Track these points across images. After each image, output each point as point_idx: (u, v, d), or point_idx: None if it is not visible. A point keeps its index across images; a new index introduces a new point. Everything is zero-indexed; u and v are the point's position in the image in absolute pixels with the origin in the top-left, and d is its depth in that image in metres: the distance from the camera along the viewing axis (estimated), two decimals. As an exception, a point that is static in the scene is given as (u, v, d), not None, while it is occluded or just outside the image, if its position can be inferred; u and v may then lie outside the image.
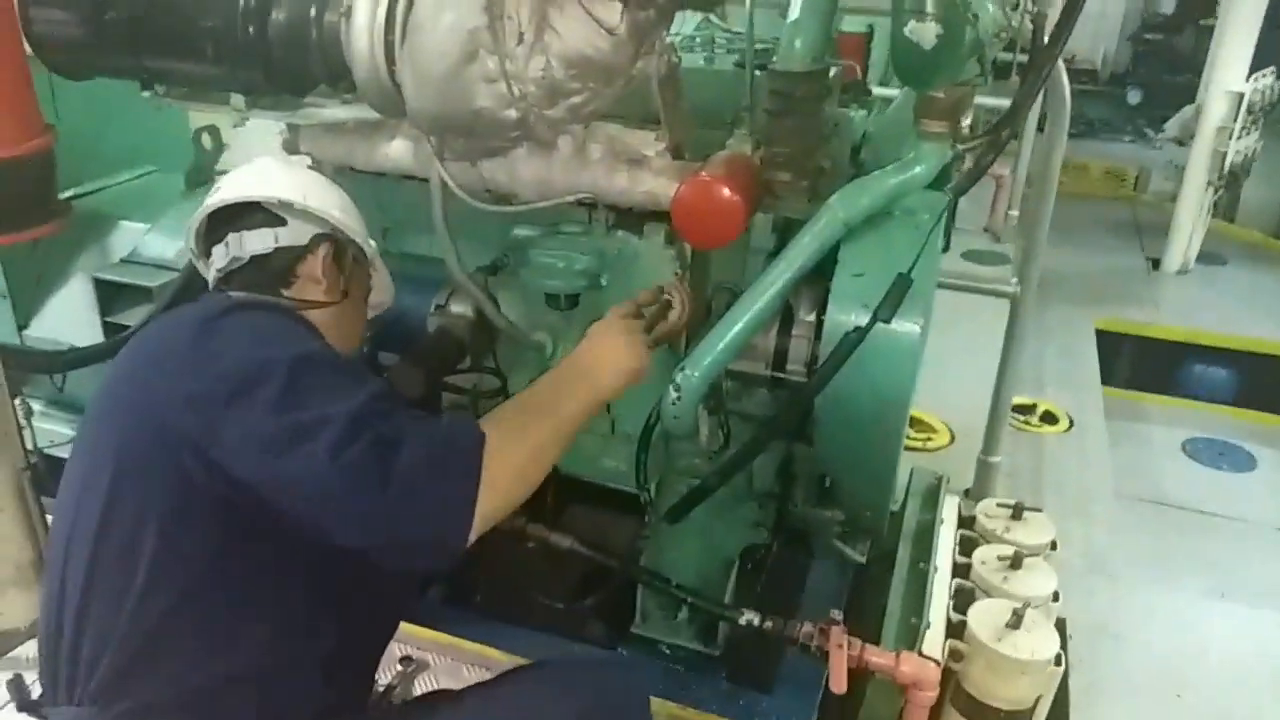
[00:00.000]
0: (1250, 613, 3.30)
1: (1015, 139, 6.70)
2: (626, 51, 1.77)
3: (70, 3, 2.04)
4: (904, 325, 1.77)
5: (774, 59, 1.94)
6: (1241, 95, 5.82)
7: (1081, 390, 4.76)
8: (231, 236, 1.67)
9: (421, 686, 2.31)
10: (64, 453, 2.58)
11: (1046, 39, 1.71)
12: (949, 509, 2.64)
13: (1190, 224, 6.33)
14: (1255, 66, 5.97)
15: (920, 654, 2.07)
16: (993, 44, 1.76)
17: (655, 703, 2.29)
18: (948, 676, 2.10)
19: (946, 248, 2.53)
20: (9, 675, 1.76)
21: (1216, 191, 6.31)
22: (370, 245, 1.83)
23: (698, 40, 2.55)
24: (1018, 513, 2.46)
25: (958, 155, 1.89)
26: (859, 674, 2.03)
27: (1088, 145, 9.21)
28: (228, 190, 1.71)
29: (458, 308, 2.26)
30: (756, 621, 2.09)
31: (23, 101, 2.47)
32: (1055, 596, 2.24)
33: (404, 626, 2.35)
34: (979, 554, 2.34)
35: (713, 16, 2.58)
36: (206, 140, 2.89)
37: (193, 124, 2.92)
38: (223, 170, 3.05)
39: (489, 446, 1.35)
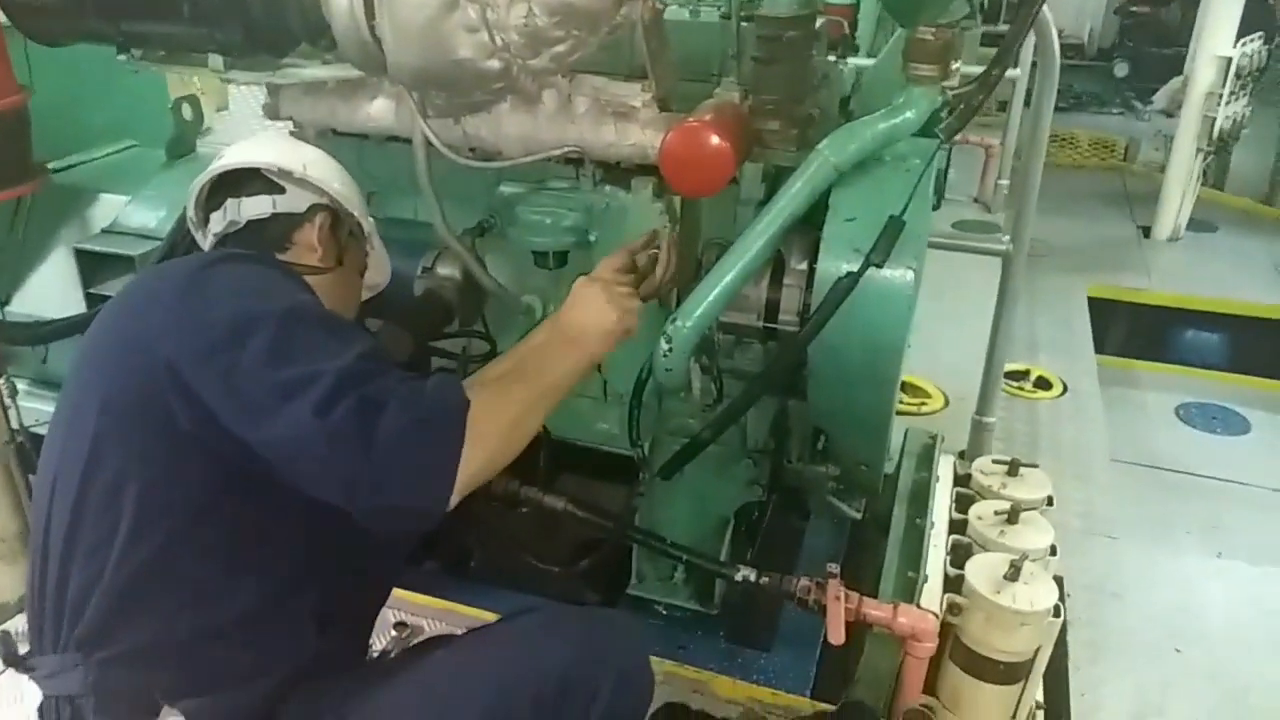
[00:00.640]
0: (1247, 570, 3.30)
1: (1004, 109, 6.72)
2: (610, -3, 1.74)
3: (42, -35, 2.00)
4: (897, 270, 1.75)
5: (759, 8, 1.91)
6: (1229, 60, 5.81)
7: (1075, 357, 4.75)
8: (230, 202, 1.69)
9: (417, 652, 2.30)
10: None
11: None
12: (944, 467, 2.62)
13: (1180, 191, 6.32)
14: (1241, 33, 5.96)
15: (919, 606, 2.06)
16: (981, -18, 1.74)
17: (653, 662, 2.29)
18: (946, 631, 2.09)
19: (937, 206, 2.51)
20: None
21: (1206, 158, 6.30)
22: (369, 221, 1.83)
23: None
24: (1014, 469, 2.44)
25: (948, 100, 1.87)
26: (857, 627, 2.02)
27: (1076, 118, 9.20)
28: (230, 156, 1.72)
29: (445, 270, 2.24)
30: (753, 578, 2.08)
31: (-7, 60, 2.44)
32: (1053, 550, 2.23)
33: (398, 592, 2.34)
34: (975, 509, 2.32)
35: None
36: (186, 110, 2.85)
37: (171, 96, 2.89)
38: (206, 146, 3.03)
39: (474, 410, 1.34)
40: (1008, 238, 2.99)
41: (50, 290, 2.77)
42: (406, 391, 1.31)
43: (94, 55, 2.13)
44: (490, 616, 2.35)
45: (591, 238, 2.14)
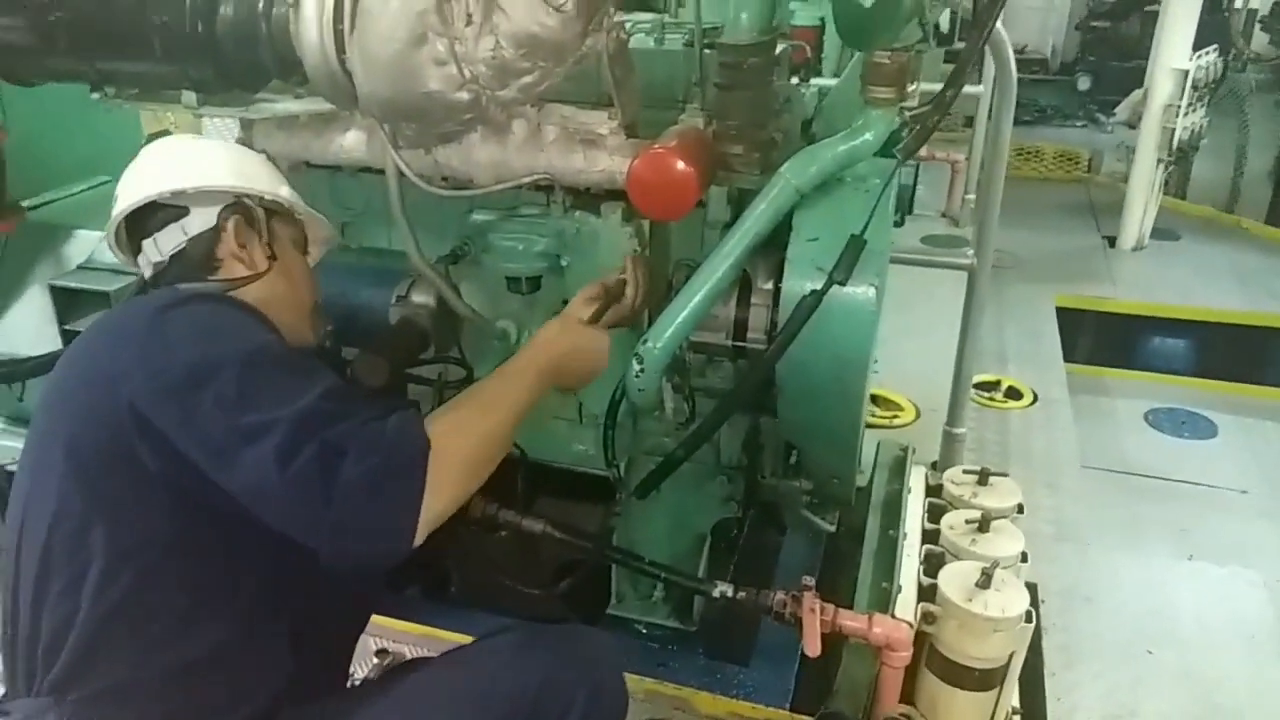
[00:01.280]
0: (1217, 572, 3.36)
1: (970, 125, 6.83)
2: (575, 29, 1.79)
3: (12, 6, 2.03)
4: (860, 286, 1.80)
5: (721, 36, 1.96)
6: (1186, 73, 5.94)
7: (1044, 366, 4.83)
8: (146, 244, 1.66)
9: (399, 678, 2.31)
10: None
11: None
12: (916, 478, 2.67)
13: (1143, 201, 6.44)
14: (1197, 46, 6.10)
15: (893, 616, 2.10)
16: (934, 7, 1.80)
17: (633, 680, 2.31)
18: (921, 640, 2.13)
19: (901, 222, 2.56)
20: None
21: (1167, 168, 6.43)
22: (285, 191, 1.78)
23: (648, 25, 2.58)
24: (984, 478, 2.49)
25: (905, 121, 1.92)
26: (833, 639, 2.05)
27: (1041, 131, 9.36)
28: (124, 198, 1.69)
29: (420, 298, 2.27)
30: (730, 593, 2.11)
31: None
32: (1024, 557, 2.27)
33: (379, 619, 2.35)
34: (947, 519, 2.37)
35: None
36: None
37: (145, 131, 2.91)
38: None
39: (435, 450, 1.34)
40: (972, 252, 3.05)
41: (26, 327, 2.77)
42: (368, 436, 1.31)
43: (67, 93, 2.15)
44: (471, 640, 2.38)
45: (563, 262, 2.17)
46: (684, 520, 2.43)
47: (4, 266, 2.78)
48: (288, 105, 2.16)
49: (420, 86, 1.80)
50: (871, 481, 2.77)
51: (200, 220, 1.65)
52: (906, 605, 2.18)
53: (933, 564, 2.27)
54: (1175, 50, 6.03)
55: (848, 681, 2.19)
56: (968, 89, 5.73)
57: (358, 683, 2.25)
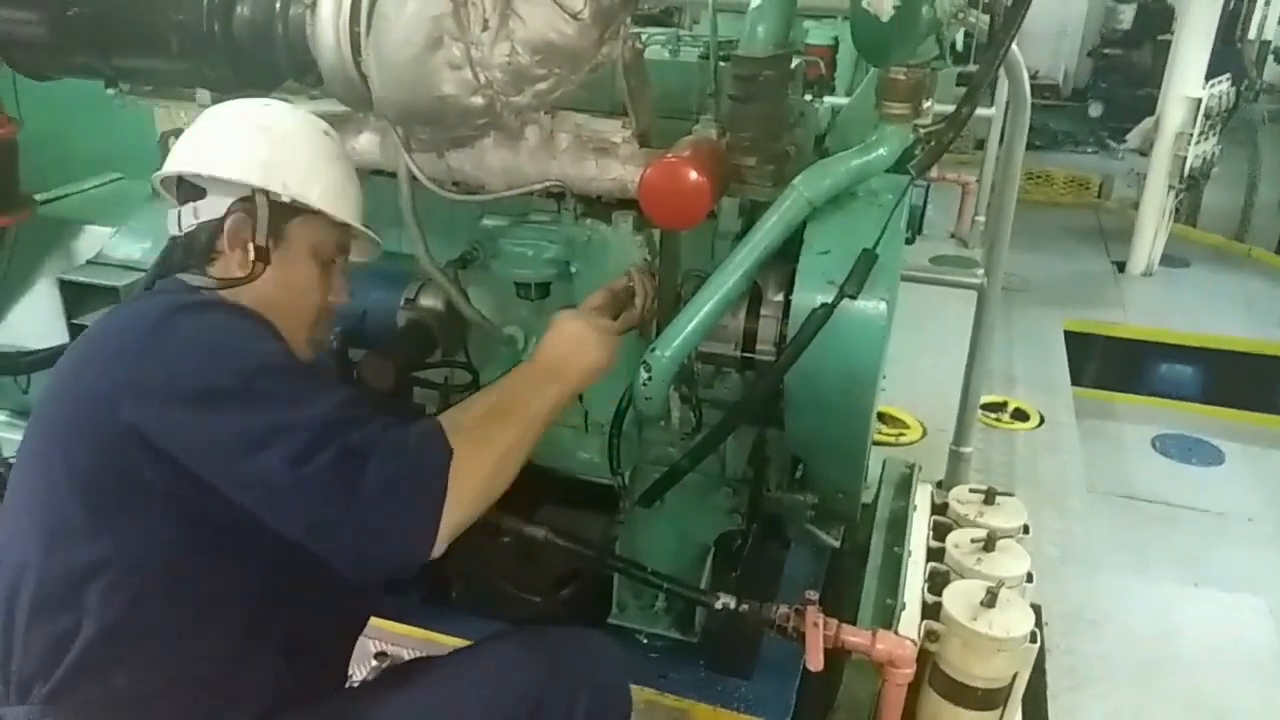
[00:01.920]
0: (1223, 598, 3.34)
1: (981, 148, 6.83)
2: (591, 36, 1.79)
3: (31, 1, 2.04)
4: (870, 301, 1.79)
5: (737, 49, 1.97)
6: (1199, 101, 5.95)
7: (1052, 389, 4.82)
8: (170, 213, 1.61)
9: (398, 683, 2.29)
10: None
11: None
12: (922, 496, 2.66)
13: (1153, 227, 6.44)
14: (1210, 75, 6.11)
15: (896, 633, 2.08)
16: (950, 25, 1.80)
17: (633, 690, 2.29)
18: (925, 658, 2.11)
19: (912, 240, 2.57)
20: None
21: (1178, 195, 6.43)
22: (313, 195, 1.59)
23: (664, 38, 2.59)
24: (990, 498, 2.48)
25: (920, 138, 1.92)
26: (836, 655, 2.04)
27: (1052, 157, 9.38)
28: (168, 161, 1.63)
29: (428, 301, 2.27)
30: (732, 605, 2.10)
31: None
32: (1029, 577, 2.26)
33: (378, 622, 2.34)
34: (952, 537, 2.36)
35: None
36: (173, 144, 2.88)
37: (159, 129, 2.92)
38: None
39: (456, 460, 1.34)
40: (982, 271, 3.05)
41: (35, 320, 2.78)
42: (390, 443, 1.31)
43: (82, 89, 2.16)
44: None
45: (573, 270, 2.17)
46: (688, 531, 2.41)
47: (14, 260, 2.79)
48: (301, 106, 2.17)
49: (435, 90, 1.80)
50: (877, 498, 2.75)
51: (212, 207, 1.56)
52: (910, 622, 2.17)
53: (937, 582, 2.25)
54: (1188, 79, 6.05)
55: (849, 698, 2.17)
56: (981, 111, 5.74)
57: (356, 685, 2.25)
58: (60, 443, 1.40)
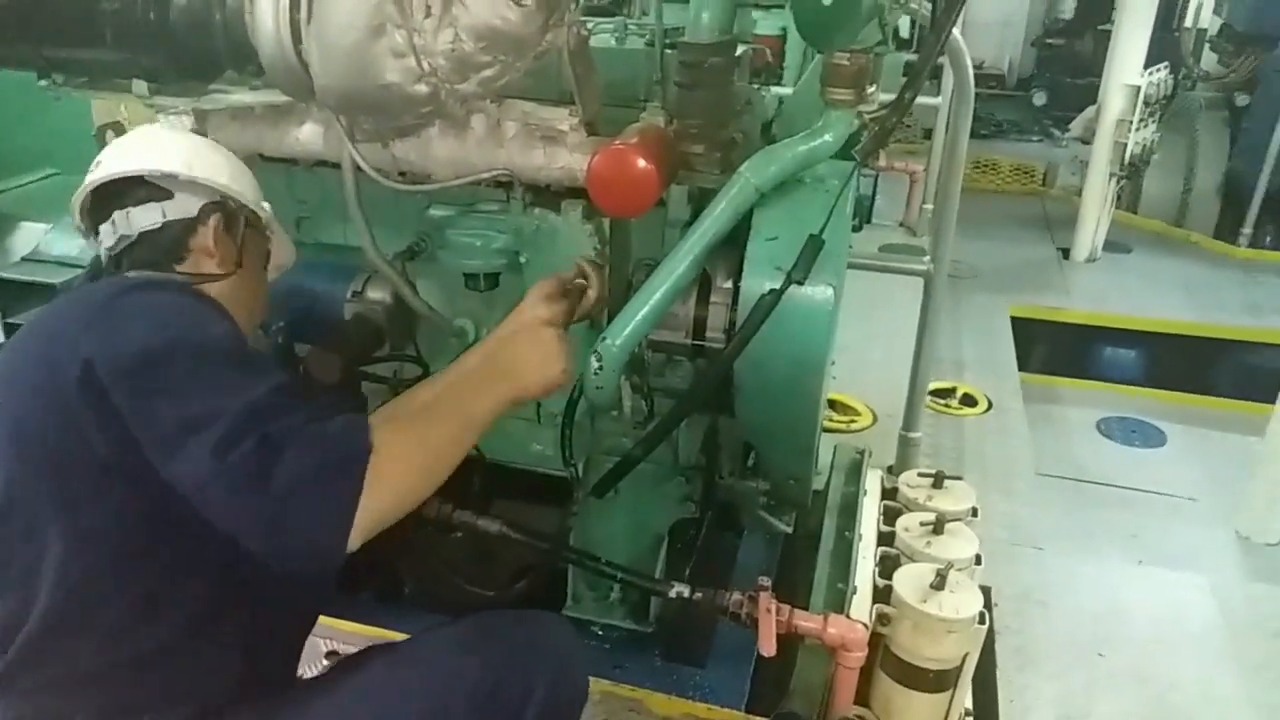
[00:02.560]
0: (1167, 576, 3.41)
1: (928, 137, 6.91)
2: (535, 22, 1.78)
3: (-44, -10, 1.98)
4: (817, 286, 1.80)
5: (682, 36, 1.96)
6: (1138, 89, 6.07)
7: (999, 374, 4.89)
8: (118, 214, 1.61)
9: (350, 680, 2.27)
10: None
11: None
12: (872, 481, 2.68)
13: (1096, 214, 6.56)
14: (1149, 63, 6.23)
15: (848, 617, 2.10)
16: (893, 10, 1.81)
17: (591, 681, 2.29)
18: (876, 641, 2.13)
19: (859, 228, 2.59)
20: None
21: (1119, 182, 6.56)
22: (265, 209, 1.79)
23: (610, 26, 2.58)
24: (939, 481, 2.51)
25: (865, 124, 1.94)
26: (789, 640, 2.05)
27: (998, 145, 9.50)
28: (110, 164, 1.65)
29: (375, 294, 2.24)
30: (686, 594, 2.10)
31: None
32: (978, 560, 2.29)
33: (329, 621, 2.31)
34: (902, 521, 2.38)
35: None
36: (110, 138, 2.80)
37: (96, 122, 2.85)
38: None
39: (380, 453, 1.31)
40: (929, 259, 3.08)
41: (-32, 320, 2.71)
42: (309, 434, 1.29)
43: (14, 81, 2.10)
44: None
45: (522, 259, 2.16)
46: (642, 521, 2.42)
47: (-55, 259, 2.71)
48: (242, 96, 2.13)
49: (378, 78, 1.78)
50: (828, 484, 2.78)
51: (181, 207, 1.62)
52: (862, 606, 2.19)
53: (888, 566, 2.28)
54: (1127, 67, 6.16)
55: (803, 682, 2.18)
56: (927, 100, 5.82)
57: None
58: (8, 412, 1.38)
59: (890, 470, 3.12)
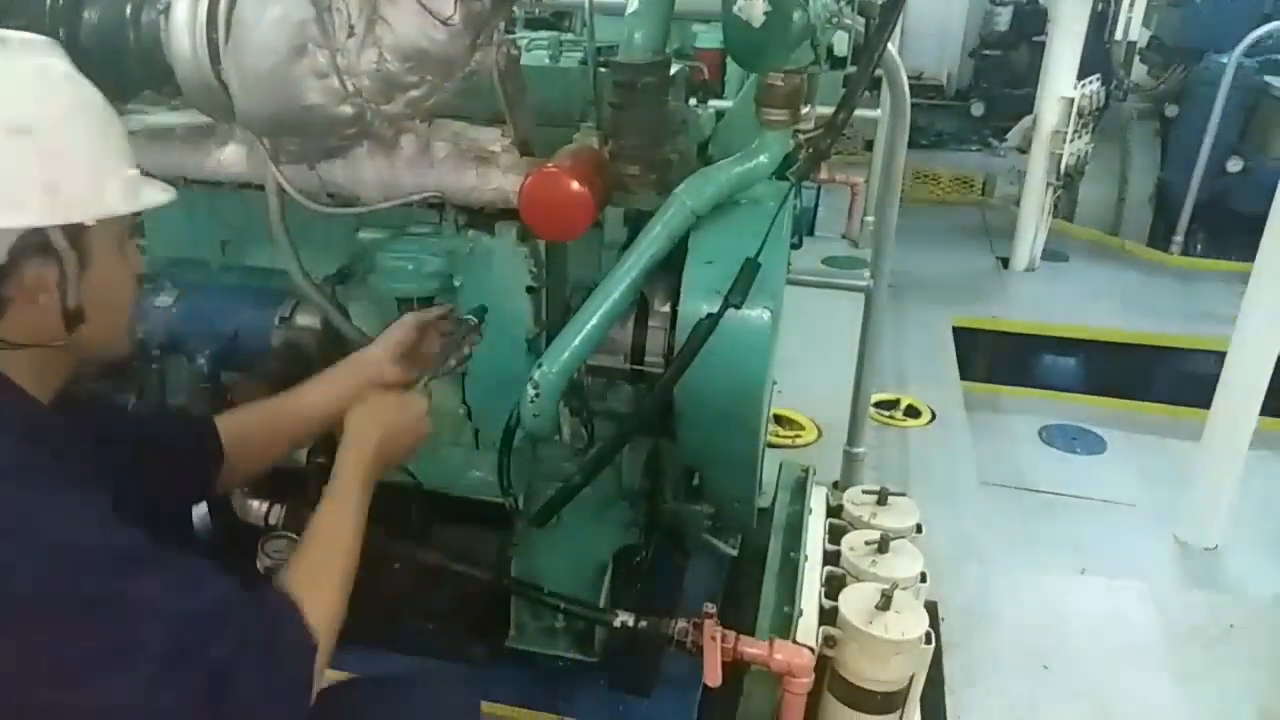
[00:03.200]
0: (1108, 584, 3.44)
1: (870, 149, 6.97)
2: (463, 42, 1.73)
3: None
4: (755, 309, 1.78)
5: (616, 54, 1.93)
6: (1072, 100, 6.17)
7: (942, 385, 4.92)
8: None
9: None
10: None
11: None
12: (817, 499, 2.67)
13: (1034, 224, 6.66)
14: (1082, 75, 6.35)
15: (795, 642, 2.07)
16: (825, 29, 1.80)
17: (532, 715, 2.24)
18: (824, 664, 2.11)
19: (799, 244, 2.57)
20: None
21: (1055, 192, 6.66)
22: (109, 193, 1.26)
23: (545, 42, 2.54)
24: (883, 498, 2.50)
25: (800, 144, 1.92)
26: (736, 666, 2.02)
27: (938, 155, 9.60)
28: None
29: (304, 320, 2.18)
30: (631, 623, 2.06)
31: None
32: (923, 577, 2.28)
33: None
34: (847, 540, 2.37)
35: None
36: None
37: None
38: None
39: (320, 632, 1.27)
40: (869, 274, 3.08)
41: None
42: (253, 648, 1.18)
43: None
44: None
45: (456, 283, 2.10)
46: (585, 548, 2.37)
47: None
48: (161, 118, 2.06)
49: (300, 100, 1.72)
50: (774, 503, 2.75)
51: None
52: (808, 629, 2.16)
53: (834, 586, 2.26)
54: (1061, 79, 6.26)
55: (750, 710, 2.16)
56: (866, 113, 5.86)
57: None
58: None
59: (836, 485, 3.11)
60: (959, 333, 5.61)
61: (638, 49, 1.87)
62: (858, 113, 2.01)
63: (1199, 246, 7.22)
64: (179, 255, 2.30)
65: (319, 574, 1.36)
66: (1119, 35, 7.67)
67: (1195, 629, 3.16)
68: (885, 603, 2.08)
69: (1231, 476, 3.59)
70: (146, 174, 1.40)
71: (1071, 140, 6.28)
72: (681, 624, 2.02)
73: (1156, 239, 7.37)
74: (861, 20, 2.16)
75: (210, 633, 1.16)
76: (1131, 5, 7.50)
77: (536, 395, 1.85)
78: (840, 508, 2.55)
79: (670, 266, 1.88)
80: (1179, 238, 7.08)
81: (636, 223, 2.04)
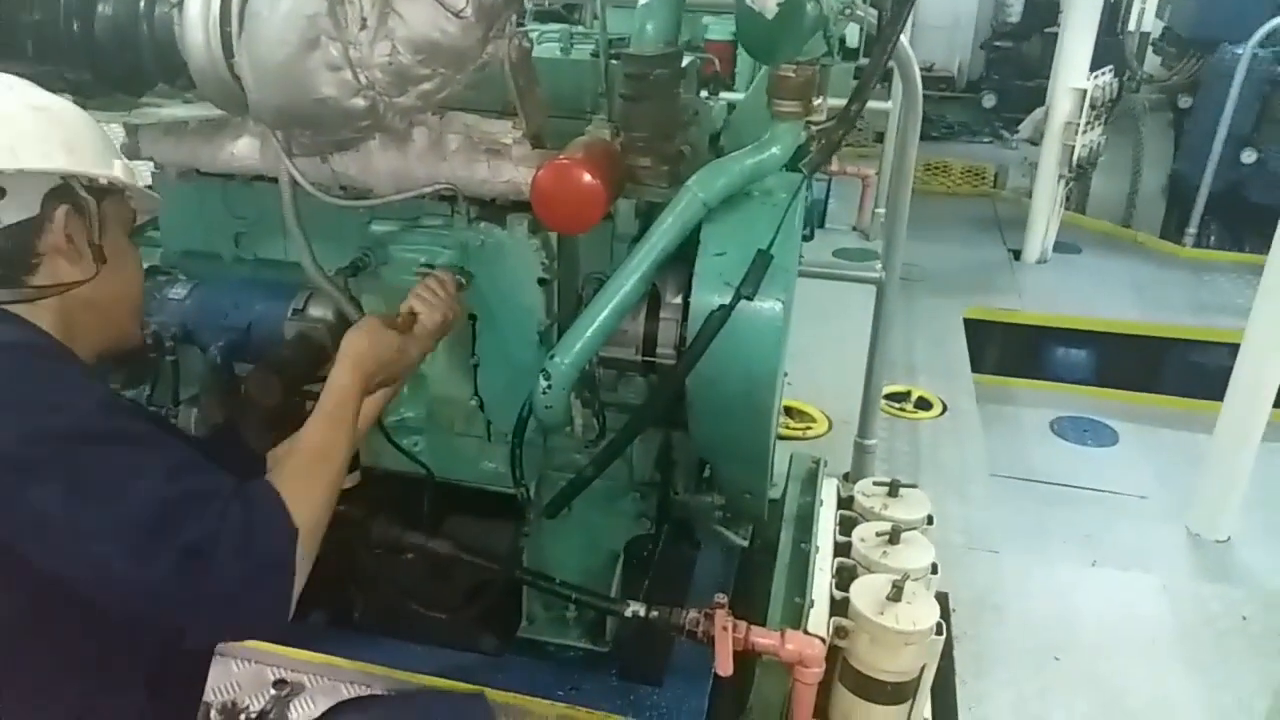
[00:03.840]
0: (1119, 577, 3.45)
1: (881, 141, 6.95)
2: (475, 35, 1.74)
3: None
4: (767, 301, 1.78)
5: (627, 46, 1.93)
6: (1084, 92, 6.14)
7: (953, 377, 4.92)
8: None
9: (298, 710, 2.21)
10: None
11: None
12: (828, 490, 2.66)
13: (1046, 216, 6.63)
14: (1094, 66, 6.32)
15: (806, 632, 2.08)
16: (838, 21, 1.79)
17: (545, 704, 2.25)
18: (835, 655, 2.11)
19: (810, 236, 2.57)
20: None
21: (1067, 184, 6.63)
22: (116, 169, 1.45)
23: (556, 34, 2.54)
24: (894, 490, 2.50)
25: (813, 136, 1.92)
26: (746, 656, 2.03)
27: (949, 147, 9.57)
28: None
29: (317, 311, 2.18)
30: (642, 613, 2.07)
31: None
32: (934, 568, 2.28)
33: (277, 649, 2.25)
34: (858, 531, 2.36)
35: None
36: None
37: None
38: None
39: (302, 523, 1.30)
40: (880, 266, 3.08)
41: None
42: (231, 533, 1.22)
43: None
44: (375, 670, 2.29)
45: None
46: (596, 539, 2.38)
47: None
48: (175, 110, 2.07)
49: (313, 92, 1.73)
50: (785, 494, 2.76)
51: (17, 207, 1.32)
52: (819, 620, 2.16)
53: (845, 577, 2.26)
54: (1074, 70, 6.23)
55: (761, 700, 2.16)
56: (878, 105, 5.84)
57: (254, 714, 2.16)
58: None
59: (846, 477, 3.11)
60: (970, 325, 5.60)
61: (649, 41, 1.87)
62: (869, 105, 2.01)
63: (1212, 238, 7.18)
64: (192, 248, 2.32)
65: (308, 475, 1.40)
66: (1132, 26, 7.64)
67: (1207, 621, 3.16)
68: (896, 594, 2.08)
69: (1244, 469, 3.58)
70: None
71: (1084, 132, 6.25)
72: (692, 614, 2.03)
73: (1169, 231, 7.33)
74: (874, 12, 2.15)
75: (187, 514, 1.21)
76: (1144, -4, 7.47)
77: (549, 387, 1.86)
78: (851, 499, 2.54)
79: (682, 258, 1.88)
80: (1192, 230, 7.05)
81: (648, 215, 2.04)
